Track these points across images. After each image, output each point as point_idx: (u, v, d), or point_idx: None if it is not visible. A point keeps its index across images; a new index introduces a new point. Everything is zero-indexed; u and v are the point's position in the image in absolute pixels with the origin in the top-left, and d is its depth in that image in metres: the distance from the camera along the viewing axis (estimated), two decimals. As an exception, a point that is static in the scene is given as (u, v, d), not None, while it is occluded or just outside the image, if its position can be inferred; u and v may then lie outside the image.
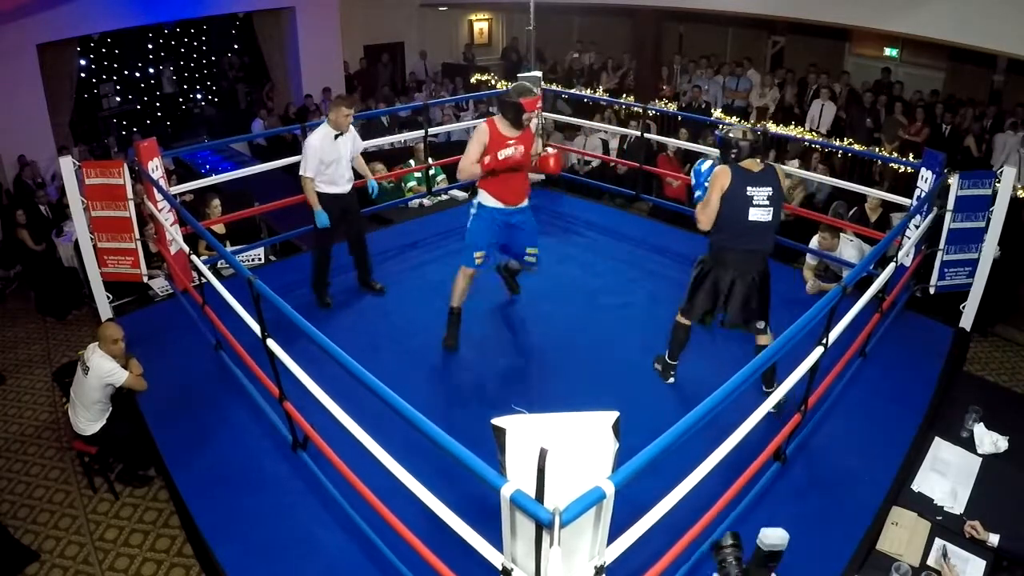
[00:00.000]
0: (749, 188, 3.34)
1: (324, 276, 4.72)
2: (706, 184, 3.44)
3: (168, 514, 4.16)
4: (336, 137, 4.37)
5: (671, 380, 3.92)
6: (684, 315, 3.75)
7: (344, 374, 2.36)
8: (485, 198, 4.00)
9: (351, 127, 4.49)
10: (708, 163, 3.52)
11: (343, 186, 4.52)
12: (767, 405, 2.55)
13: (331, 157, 4.38)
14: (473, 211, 4.06)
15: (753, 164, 3.37)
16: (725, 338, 4.35)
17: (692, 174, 3.58)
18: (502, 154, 3.82)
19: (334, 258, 4.75)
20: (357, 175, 4.73)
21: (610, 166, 8.60)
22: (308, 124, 6.28)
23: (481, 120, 3.95)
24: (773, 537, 1.75)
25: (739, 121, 8.52)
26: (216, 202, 5.91)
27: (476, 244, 4.03)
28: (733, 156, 3.37)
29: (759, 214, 3.36)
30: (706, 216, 3.45)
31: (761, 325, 3.60)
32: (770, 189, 3.37)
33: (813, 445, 3.41)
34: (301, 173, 4.41)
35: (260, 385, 3.32)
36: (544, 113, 6.49)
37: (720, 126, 3.49)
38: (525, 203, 4.07)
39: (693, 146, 7.16)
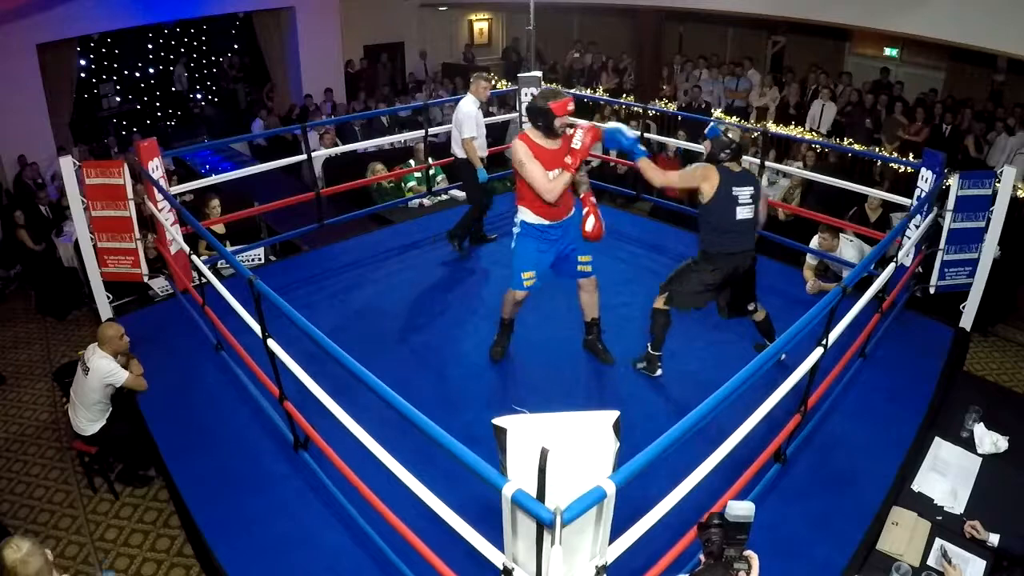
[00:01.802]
0: (735, 188, 3.44)
1: (471, 226, 5.31)
2: (636, 146, 3.48)
3: (168, 514, 4.16)
4: (479, 107, 4.87)
5: (659, 373, 3.92)
6: (667, 302, 3.77)
7: (344, 374, 2.36)
8: (527, 215, 3.66)
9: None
10: (635, 133, 3.52)
11: (484, 151, 5.07)
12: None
13: (481, 122, 4.94)
14: (516, 230, 3.74)
15: (735, 165, 3.47)
16: (726, 334, 4.35)
17: (612, 136, 3.45)
18: (552, 175, 3.45)
19: (336, 257, 4.76)
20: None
21: (610, 166, 8.60)
22: (308, 124, 6.32)
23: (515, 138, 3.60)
24: (738, 508, 1.80)
25: (740, 121, 8.52)
26: (215, 202, 5.91)
27: (524, 265, 3.73)
28: (724, 156, 3.43)
29: (745, 212, 3.48)
30: (673, 180, 3.56)
31: (752, 306, 3.79)
32: (752, 187, 3.49)
33: (813, 445, 3.40)
34: (464, 136, 4.80)
35: (260, 385, 3.32)
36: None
37: (718, 122, 3.53)
38: (569, 216, 3.71)
39: (693, 146, 7.16)
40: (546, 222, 3.64)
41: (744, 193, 3.47)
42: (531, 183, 3.48)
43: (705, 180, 3.43)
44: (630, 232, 5.94)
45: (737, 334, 4.40)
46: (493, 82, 4.99)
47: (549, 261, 3.76)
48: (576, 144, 3.49)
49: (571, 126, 3.58)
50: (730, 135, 3.43)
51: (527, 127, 3.60)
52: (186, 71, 12.19)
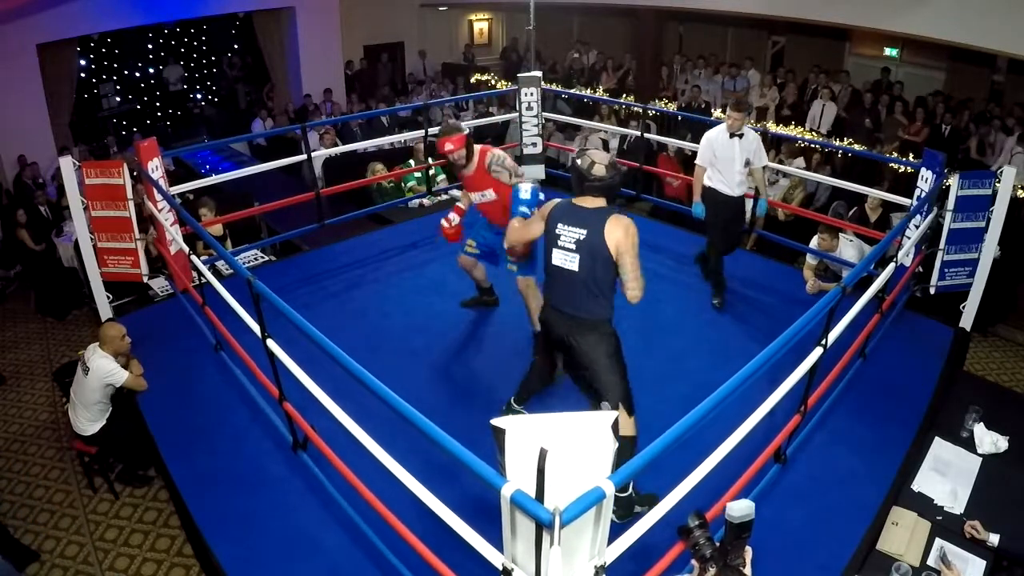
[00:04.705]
0: (560, 225, 2.79)
1: (718, 271, 4.75)
2: (524, 209, 3.11)
3: (168, 514, 4.17)
4: (731, 136, 4.45)
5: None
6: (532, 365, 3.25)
7: (344, 374, 2.36)
8: None
9: (755, 140, 4.52)
10: (528, 187, 3.13)
11: (730, 188, 4.54)
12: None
13: (722, 154, 4.49)
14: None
15: (588, 200, 2.81)
16: (726, 334, 4.35)
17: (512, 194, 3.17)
18: (477, 196, 4.01)
19: (336, 257, 4.73)
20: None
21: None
22: (308, 124, 6.32)
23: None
24: (740, 508, 1.79)
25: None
26: (204, 210, 5.70)
27: (469, 232, 4.28)
28: (575, 186, 2.82)
29: (560, 258, 2.80)
30: (522, 229, 3.04)
31: (607, 408, 2.84)
32: (583, 232, 2.74)
33: (813, 445, 3.40)
34: (697, 160, 4.66)
35: (260, 385, 3.32)
36: (544, 113, 6.49)
37: (580, 155, 2.84)
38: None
39: (693, 146, 7.15)
40: (494, 223, 4.13)
41: (568, 235, 2.75)
42: None
43: (543, 209, 2.92)
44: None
45: (737, 334, 4.40)
46: (750, 115, 4.67)
47: (489, 248, 4.21)
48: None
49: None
50: (581, 162, 2.77)
51: None
52: (184, 70, 12.13)
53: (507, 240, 3.19)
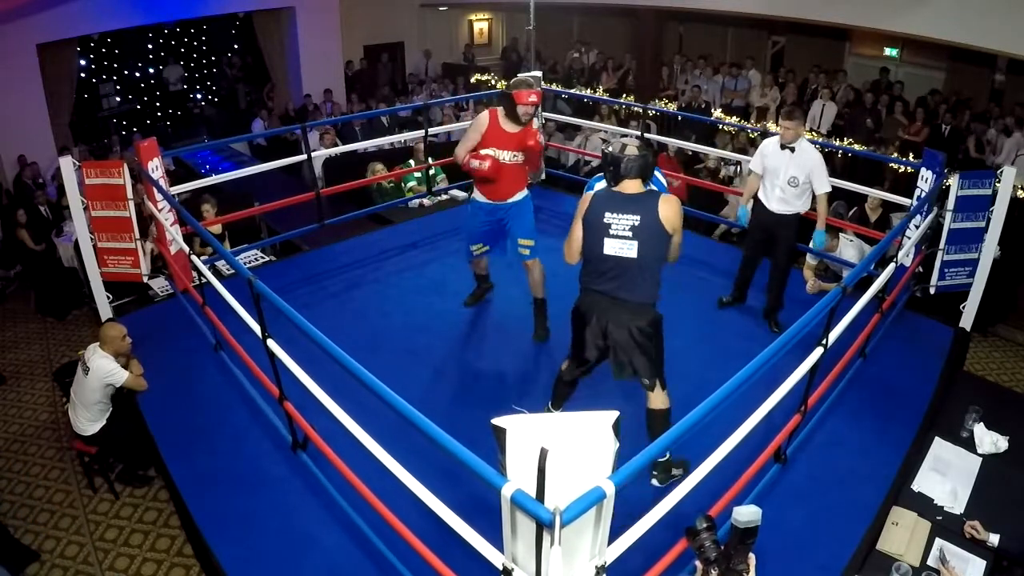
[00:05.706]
0: (608, 214, 2.78)
1: (742, 283, 4.62)
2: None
3: (168, 514, 4.16)
4: (783, 147, 4.13)
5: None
6: (565, 362, 3.24)
7: (344, 374, 2.35)
8: (475, 193, 4.11)
9: (812, 159, 4.12)
10: (603, 183, 2.99)
11: (770, 202, 4.25)
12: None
13: (770, 164, 4.20)
14: (468, 206, 4.19)
15: (630, 186, 2.82)
16: (726, 334, 4.35)
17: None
18: (474, 163, 3.83)
19: (336, 257, 4.72)
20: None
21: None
22: (309, 124, 6.33)
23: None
24: (746, 514, 1.79)
25: (739, 121, 8.52)
26: (207, 207, 5.71)
27: (470, 237, 4.21)
28: (611, 175, 2.82)
29: (616, 247, 2.78)
30: (568, 246, 2.97)
31: (647, 382, 3.04)
32: (637, 217, 2.75)
33: (813, 445, 3.40)
34: (750, 165, 4.43)
35: (260, 385, 3.32)
36: (544, 113, 6.49)
37: (608, 143, 2.90)
38: (514, 199, 4.04)
39: (692, 146, 7.17)
40: (488, 202, 4.04)
41: (620, 222, 2.75)
42: (461, 141, 3.97)
43: (580, 205, 2.91)
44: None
45: (737, 334, 4.40)
46: (796, 126, 4.12)
47: (494, 235, 4.16)
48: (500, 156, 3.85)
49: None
50: (612, 148, 2.81)
51: (500, 107, 3.94)
52: (184, 70, 12.13)
53: (565, 256, 3.06)
